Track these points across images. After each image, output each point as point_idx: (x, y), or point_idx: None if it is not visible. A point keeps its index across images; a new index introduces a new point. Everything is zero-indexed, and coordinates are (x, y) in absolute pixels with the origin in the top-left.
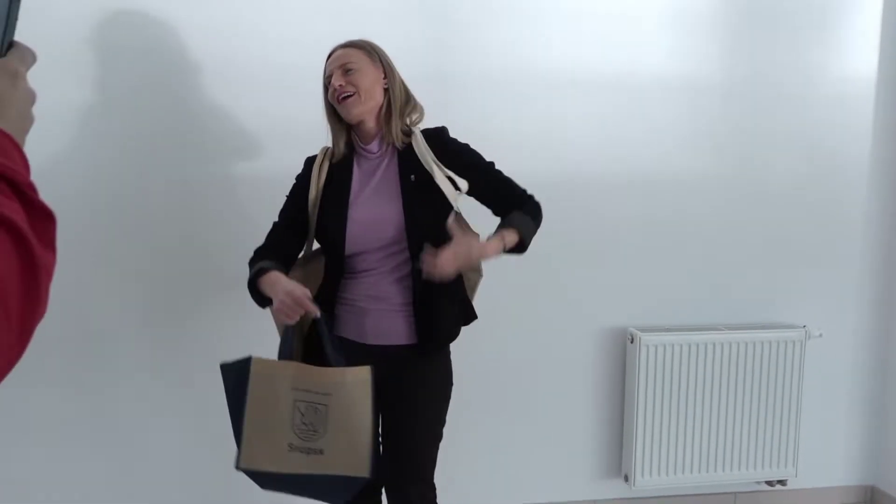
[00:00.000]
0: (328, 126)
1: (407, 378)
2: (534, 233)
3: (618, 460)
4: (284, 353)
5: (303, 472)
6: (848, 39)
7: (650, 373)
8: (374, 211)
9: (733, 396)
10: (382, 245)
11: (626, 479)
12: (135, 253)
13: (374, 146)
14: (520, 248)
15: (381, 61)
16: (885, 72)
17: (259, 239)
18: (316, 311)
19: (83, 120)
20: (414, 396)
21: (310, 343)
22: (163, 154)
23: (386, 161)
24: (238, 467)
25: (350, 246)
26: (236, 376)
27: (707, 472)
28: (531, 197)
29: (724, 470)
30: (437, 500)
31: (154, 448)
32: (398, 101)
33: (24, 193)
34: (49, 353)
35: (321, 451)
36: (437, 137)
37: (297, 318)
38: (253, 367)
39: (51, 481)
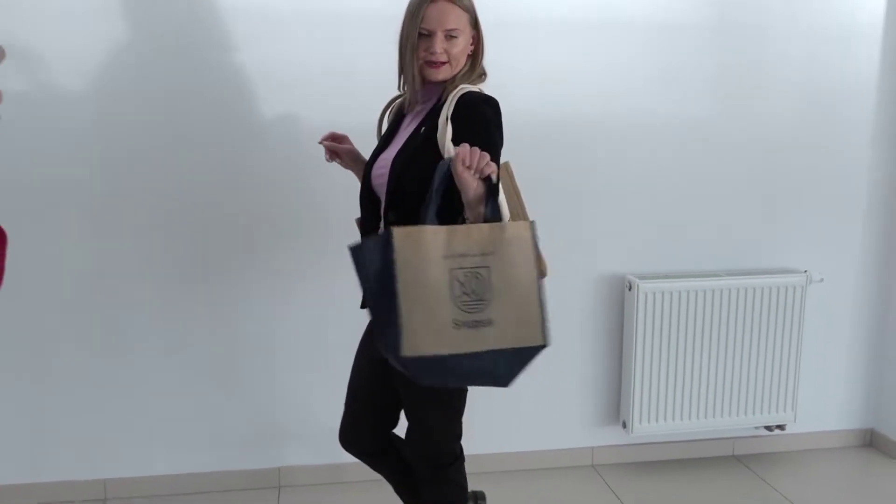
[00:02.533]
0: (405, 70)
1: None
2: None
3: (616, 407)
4: (427, 216)
5: (473, 349)
6: None
7: (648, 320)
8: (383, 158)
9: (732, 343)
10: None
11: (625, 425)
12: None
13: (426, 94)
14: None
15: (476, 24)
16: (892, 6)
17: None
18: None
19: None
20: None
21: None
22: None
23: (423, 109)
24: (401, 356)
25: (378, 193)
26: (378, 254)
27: (705, 418)
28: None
29: (722, 416)
30: (456, 461)
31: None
32: (477, 71)
33: None
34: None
35: (491, 323)
36: (469, 104)
37: (330, 155)
38: (396, 240)
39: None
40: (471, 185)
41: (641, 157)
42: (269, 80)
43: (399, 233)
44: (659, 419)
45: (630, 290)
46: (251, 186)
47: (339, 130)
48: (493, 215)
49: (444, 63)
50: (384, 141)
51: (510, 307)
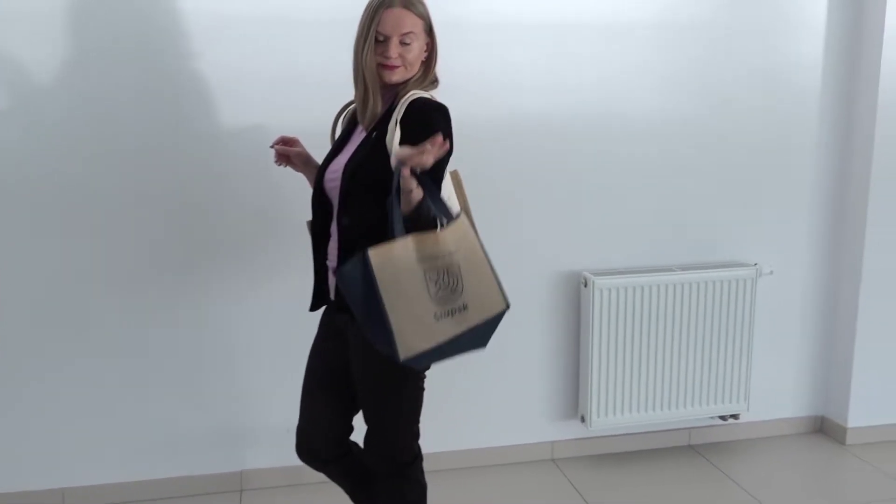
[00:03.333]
0: (359, 77)
1: (353, 348)
2: (423, 220)
3: (574, 402)
4: (395, 230)
5: (454, 333)
6: None
7: (604, 316)
8: (336, 163)
9: (686, 336)
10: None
11: (583, 419)
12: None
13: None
14: (416, 211)
15: (431, 30)
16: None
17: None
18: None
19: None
20: (359, 365)
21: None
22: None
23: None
24: (400, 361)
25: (330, 197)
26: (360, 276)
27: (662, 409)
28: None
29: (678, 407)
30: (415, 462)
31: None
32: (429, 77)
33: None
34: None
35: (465, 307)
36: (418, 109)
37: (280, 158)
38: (373, 259)
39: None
40: (409, 188)
41: (594, 154)
42: (229, 86)
43: (374, 254)
44: (616, 412)
45: (586, 286)
46: (210, 189)
47: (292, 134)
48: (438, 213)
49: (397, 66)
50: (337, 146)
51: (476, 288)
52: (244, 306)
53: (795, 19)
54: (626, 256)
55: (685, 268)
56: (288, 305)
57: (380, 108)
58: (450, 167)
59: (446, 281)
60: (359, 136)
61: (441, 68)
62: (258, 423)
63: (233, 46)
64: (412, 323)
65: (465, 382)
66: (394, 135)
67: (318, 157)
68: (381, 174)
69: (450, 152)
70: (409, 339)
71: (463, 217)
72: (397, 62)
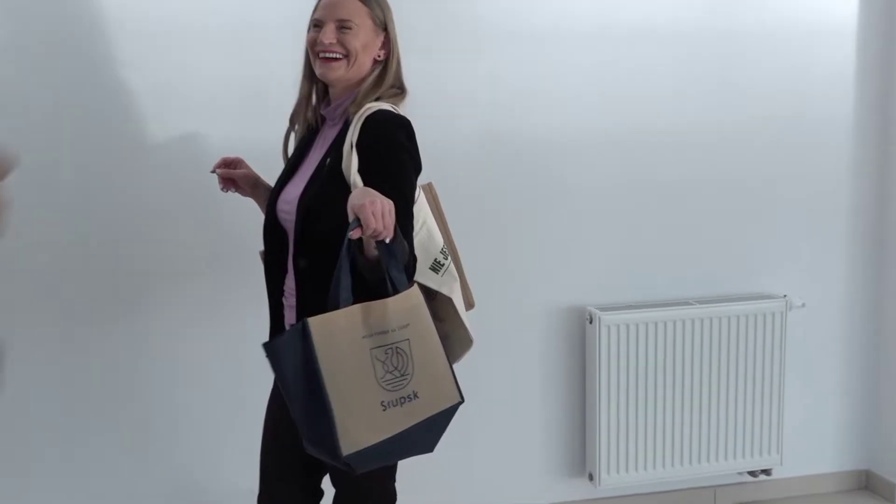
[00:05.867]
0: (304, 75)
1: None
2: (401, 256)
3: (580, 457)
4: (339, 298)
5: (403, 427)
6: None
7: (613, 356)
8: (289, 193)
9: (707, 379)
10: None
11: (591, 477)
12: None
13: (332, 112)
14: (377, 263)
15: (385, 27)
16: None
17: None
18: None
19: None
20: None
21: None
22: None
23: (330, 133)
24: (343, 458)
25: (284, 227)
26: (297, 351)
27: (682, 465)
28: (410, 253)
29: (700, 462)
30: None
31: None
32: (388, 81)
33: None
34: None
35: (416, 395)
36: (376, 127)
37: (225, 183)
38: (314, 331)
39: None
40: (370, 254)
41: (600, 172)
42: (168, 98)
43: (316, 323)
44: (630, 468)
45: (591, 322)
46: (148, 212)
47: (241, 152)
48: (398, 278)
49: (337, 59)
50: (291, 167)
51: (428, 372)
52: (190, 355)
53: (825, 21)
54: (638, 288)
55: (705, 301)
56: (240, 348)
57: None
58: (422, 181)
59: (395, 362)
60: (313, 158)
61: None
62: (213, 485)
63: (173, 55)
64: (358, 411)
65: (455, 436)
66: (350, 161)
67: (271, 178)
68: (340, 210)
69: (413, 179)
70: (354, 431)
71: (415, 288)
72: (335, 48)
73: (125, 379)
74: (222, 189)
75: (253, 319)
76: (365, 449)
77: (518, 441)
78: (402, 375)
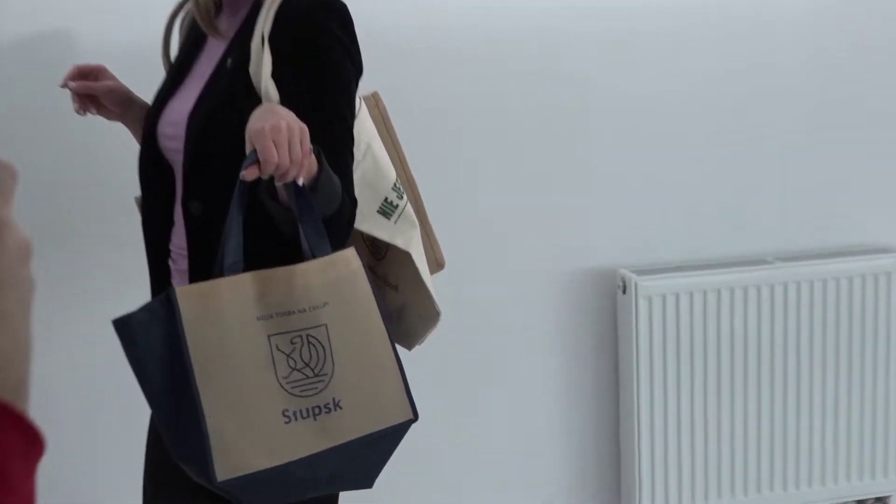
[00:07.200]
0: None
1: None
2: (328, 201)
3: (613, 484)
4: (224, 262)
5: (318, 448)
6: None
7: (655, 338)
8: (175, 110)
9: (793, 370)
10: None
11: None
12: None
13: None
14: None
15: None
16: None
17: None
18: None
19: None
20: None
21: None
22: None
23: (233, 20)
24: (217, 483)
25: (170, 160)
26: (159, 333)
27: (756, 493)
28: (348, 198)
29: (784, 488)
30: None
31: None
32: None
33: None
34: None
35: (338, 405)
36: (296, 12)
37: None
38: (182, 306)
39: None
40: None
41: (646, 82)
42: None
43: (186, 294)
44: (682, 498)
45: (624, 291)
46: None
47: (109, 59)
48: (315, 239)
49: None
50: (175, 74)
51: (360, 377)
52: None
53: None
54: (688, 243)
55: (787, 257)
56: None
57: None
58: (363, 90)
59: (305, 357)
60: (208, 62)
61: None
62: None
63: None
64: (245, 422)
65: (444, 450)
66: (261, 62)
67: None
68: (240, 127)
69: (351, 89)
70: (237, 450)
71: (348, 252)
72: None
73: None
74: (78, 110)
75: (136, 295)
76: (251, 475)
77: (522, 460)
78: (317, 376)
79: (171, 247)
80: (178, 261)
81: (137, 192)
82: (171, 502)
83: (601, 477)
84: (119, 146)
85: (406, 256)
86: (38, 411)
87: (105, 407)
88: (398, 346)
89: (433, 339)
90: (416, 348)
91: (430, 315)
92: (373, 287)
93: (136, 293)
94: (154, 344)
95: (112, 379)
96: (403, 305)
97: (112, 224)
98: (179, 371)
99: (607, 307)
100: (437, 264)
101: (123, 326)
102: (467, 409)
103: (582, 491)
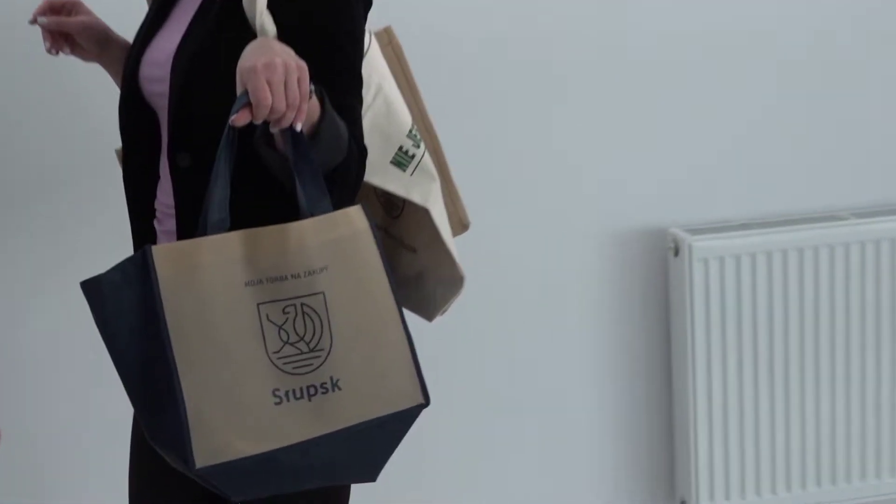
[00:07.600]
0: None
1: None
2: (332, 151)
3: (667, 474)
4: (207, 220)
5: (313, 434)
6: None
7: (713, 308)
8: (158, 49)
9: (872, 343)
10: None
11: None
12: None
13: None
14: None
15: None
16: None
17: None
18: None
19: None
20: None
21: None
22: None
23: None
24: (196, 470)
25: (153, 105)
26: (132, 297)
27: (829, 484)
28: (356, 147)
29: (864, 477)
30: None
31: None
32: None
33: None
34: None
35: (336, 386)
36: None
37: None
38: (159, 267)
39: None
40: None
41: (693, 28)
42: None
43: (163, 254)
44: (746, 492)
45: (677, 253)
46: None
47: None
48: (313, 194)
49: None
50: (159, 8)
51: (363, 353)
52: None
53: None
54: (749, 198)
55: (864, 212)
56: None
57: None
58: (374, 24)
59: (300, 329)
60: (179, 10)
61: None
62: None
63: None
64: (229, 401)
65: (460, 441)
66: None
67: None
68: (231, 70)
69: (357, 32)
70: (219, 433)
71: (353, 210)
72: None
73: None
74: (49, 50)
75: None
76: (235, 462)
77: (573, 450)
78: (312, 351)
79: (157, 205)
80: (165, 220)
81: (118, 143)
82: (158, 495)
83: (654, 469)
84: (96, 90)
85: (424, 214)
86: (17, 387)
87: (90, 381)
88: (417, 317)
89: (456, 310)
90: (437, 320)
91: (452, 280)
92: (381, 251)
93: (117, 260)
94: (126, 309)
95: (96, 350)
96: (422, 270)
97: (91, 180)
98: (155, 341)
99: (657, 272)
100: (460, 224)
101: (92, 288)
102: (492, 394)
103: (632, 482)
